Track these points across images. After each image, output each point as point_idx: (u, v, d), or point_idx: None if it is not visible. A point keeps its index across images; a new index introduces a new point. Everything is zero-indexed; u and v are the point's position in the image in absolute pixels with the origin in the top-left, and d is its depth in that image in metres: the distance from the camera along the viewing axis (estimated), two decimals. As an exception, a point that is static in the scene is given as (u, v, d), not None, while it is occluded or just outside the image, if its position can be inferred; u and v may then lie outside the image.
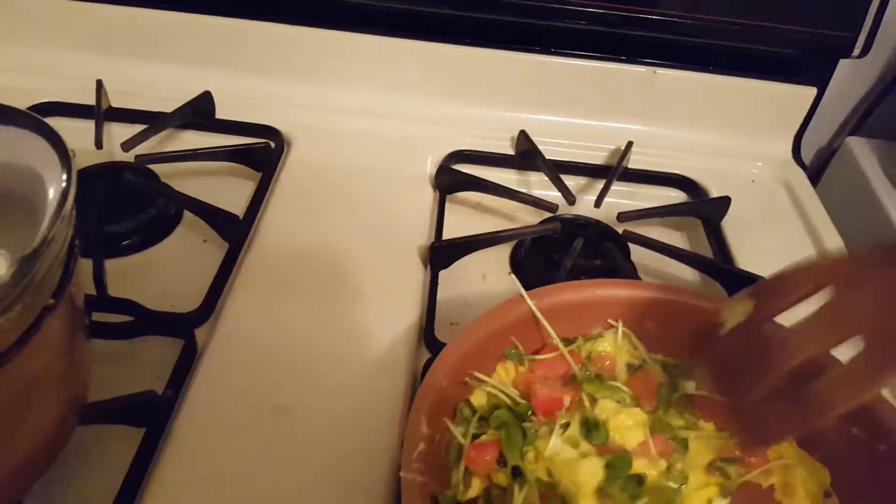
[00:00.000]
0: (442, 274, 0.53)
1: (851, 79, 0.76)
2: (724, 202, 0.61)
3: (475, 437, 0.38)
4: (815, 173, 0.82)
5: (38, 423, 0.33)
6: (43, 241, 0.28)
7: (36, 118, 0.34)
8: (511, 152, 0.66)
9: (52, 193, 0.31)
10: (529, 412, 0.38)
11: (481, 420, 0.38)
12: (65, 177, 0.31)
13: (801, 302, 0.32)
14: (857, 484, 0.37)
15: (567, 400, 0.39)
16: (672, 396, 0.40)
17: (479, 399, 0.39)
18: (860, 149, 0.78)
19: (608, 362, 0.41)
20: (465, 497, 0.35)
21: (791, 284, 0.33)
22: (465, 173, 0.61)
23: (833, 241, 0.62)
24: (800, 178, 0.69)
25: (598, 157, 0.67)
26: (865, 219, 0.72)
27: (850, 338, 0.29)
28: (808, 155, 0.74)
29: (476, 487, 0.36)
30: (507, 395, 0.39)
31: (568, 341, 0.42)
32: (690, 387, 0.40)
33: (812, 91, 0.69)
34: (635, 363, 0.42)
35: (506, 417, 0.38)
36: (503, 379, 0.40)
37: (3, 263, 0.27)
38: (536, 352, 0.42)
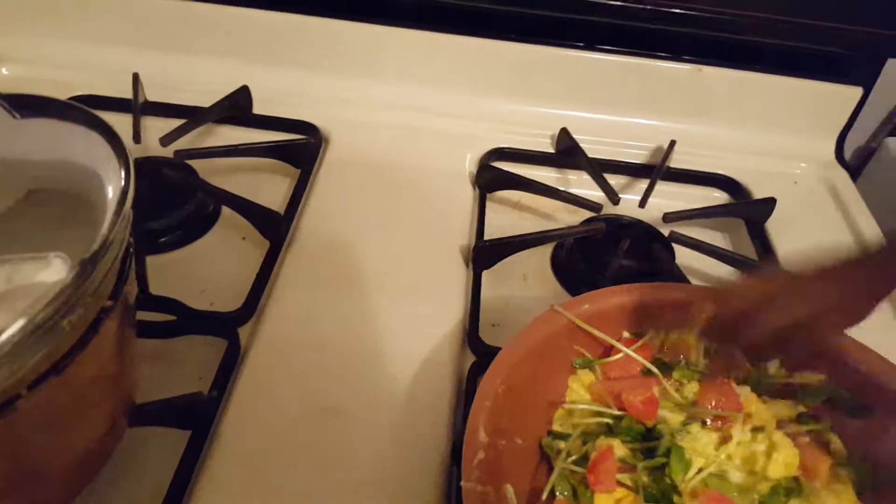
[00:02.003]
0: (482, 274, 0.52)
1: (891, 78, 0.74)
2: (770, 203, 0.60)
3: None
4: (853, 173, 0.80)
5: (92, 425, 0.32)
6: (103, 242, 0.28)
7: (91, 113, 0.33)
8: (551, 150, 0.65)
9: (111, 192, 0.30)
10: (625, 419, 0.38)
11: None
12: (123, 174, 0.31)
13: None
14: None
15: (657, 390, 0.39)
16: (761, 378, 0.41)
17: (560, 423, 0.38)
18: (900, 150, 0.76)
19: (683, 348, 0.41)
20: None
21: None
22: (507, 171, 0.60)
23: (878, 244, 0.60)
24: (843, 179, 0.67)
25: (639, 156, 0.66)
26: (904, 219, 0.70)
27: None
28: (846, 154, 0.73)
29: None
30: (602, 412, 0.39)
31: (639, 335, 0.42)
32: (774, 366, 0.41)
33: (858, 91, 0.67)
34: (712, 347, 0.41)
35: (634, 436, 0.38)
36: (580, 393, 0.39)
37: (64, 266, 0.26)
38: (604, 353, 0.41)
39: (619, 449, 0.36)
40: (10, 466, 0.27)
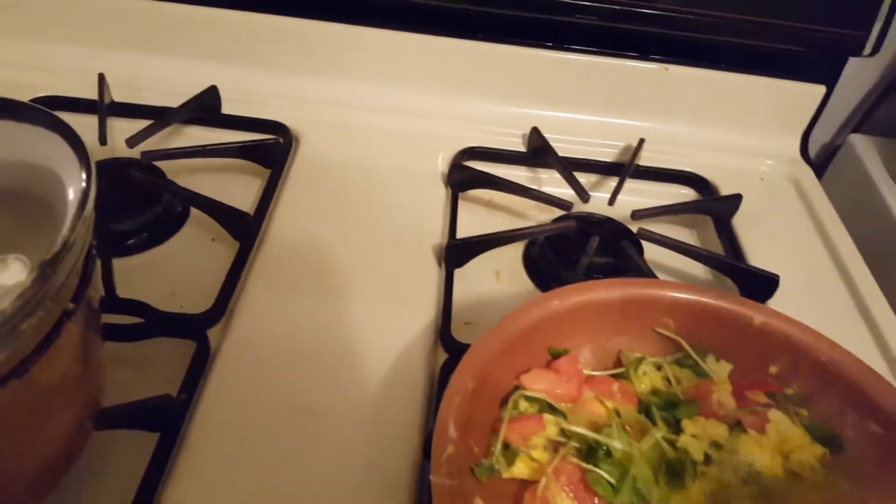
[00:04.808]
0: (455, 272, 0.53)
1: (854, 77, 0.77)
2: (736, 200, 0.61)
3: None
4: (818, 170, 0.82)
5: (56, 429, 0.32)
6: (64, 244, 0.27)
7: (50, 114, 0.33)
8: (522, 149, 0.66)
9: (72, 194, 0.30)
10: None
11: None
12: (84, 176, 0.30)
13: None
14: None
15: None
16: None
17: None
18: (863, 146, 0.79)
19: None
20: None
21: None
22: (479, 170, 0.60)
23: (841, 239, 0.62)
24: (808, 176, 0.69)
25: (608, 155, 0.66)
26: (868, 215, 0.72)
27: None
28: (811, 152, 0.75)
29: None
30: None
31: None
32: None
33: (821, 89, 0.68)
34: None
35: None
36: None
37: (24, 269, 0.26)
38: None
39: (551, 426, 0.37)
40: (-31, 473, 0.27)
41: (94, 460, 0.38)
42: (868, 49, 0.64)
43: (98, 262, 0.32)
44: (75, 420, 0.33)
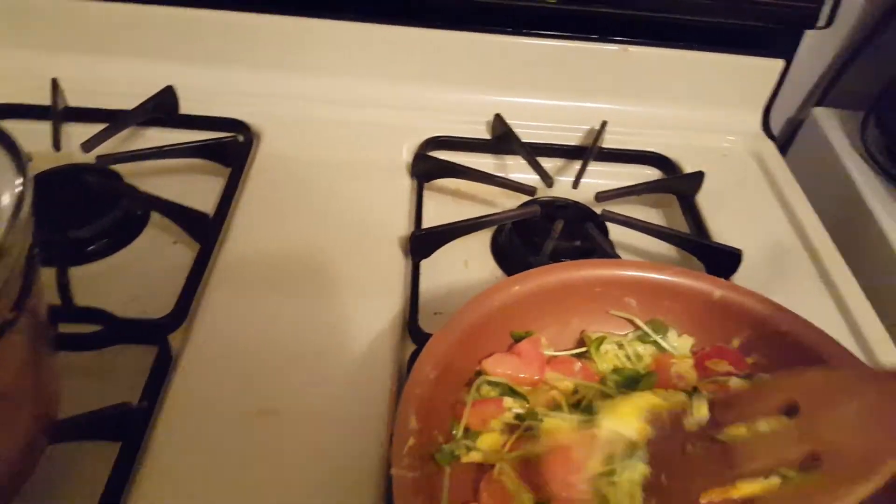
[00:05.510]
0: (423, 263, 0.52)
1: (815, 50, 0.77)
2: (698, 177, 0.61)
3: None
4: (783, 144, 0.83)
5: (2, 444, 0.31)
6: (-2, 251, 0.27)
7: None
8: (487, 136, 0.65)
9: (6, 199, 0.29)
10: None
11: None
12: (20, 181, 0.29)
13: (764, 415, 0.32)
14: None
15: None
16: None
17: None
18: (826, 119, 0.79)
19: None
20: None
21: (758, 397, 0.33)
22: (443, 160, 0.60)
23: (804, 212, 0.63)
24: (770, 150, 0.70)
25: (572, 138, 0.66)
26: (833, 188, 0.73)
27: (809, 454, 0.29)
28: (775, 127, 0.75)
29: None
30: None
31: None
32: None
33: (779, 63, 0.69)
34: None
35: None
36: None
37: (-44, 277, 0.25)
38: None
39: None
40: None
41: (53, 473, 0.37)
42: (822, 21, 0.65)
43: (39, 269, 0.31)
44: (25, 434, 0.32)
